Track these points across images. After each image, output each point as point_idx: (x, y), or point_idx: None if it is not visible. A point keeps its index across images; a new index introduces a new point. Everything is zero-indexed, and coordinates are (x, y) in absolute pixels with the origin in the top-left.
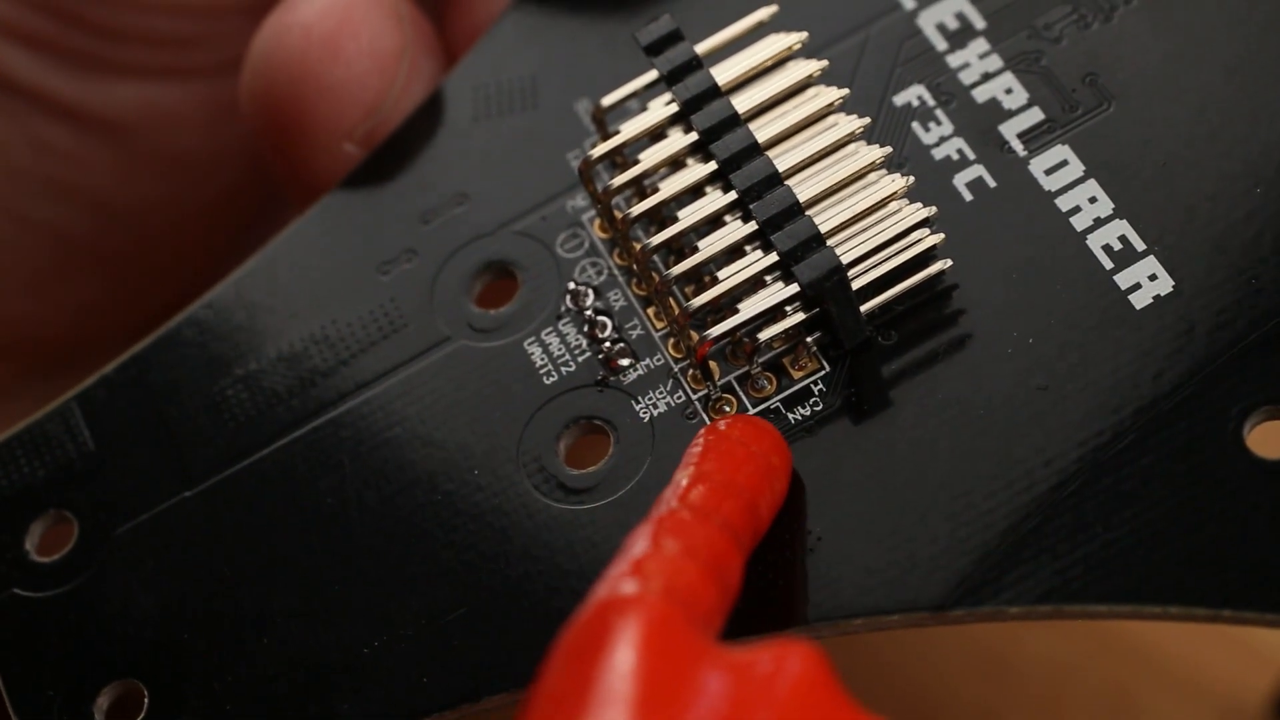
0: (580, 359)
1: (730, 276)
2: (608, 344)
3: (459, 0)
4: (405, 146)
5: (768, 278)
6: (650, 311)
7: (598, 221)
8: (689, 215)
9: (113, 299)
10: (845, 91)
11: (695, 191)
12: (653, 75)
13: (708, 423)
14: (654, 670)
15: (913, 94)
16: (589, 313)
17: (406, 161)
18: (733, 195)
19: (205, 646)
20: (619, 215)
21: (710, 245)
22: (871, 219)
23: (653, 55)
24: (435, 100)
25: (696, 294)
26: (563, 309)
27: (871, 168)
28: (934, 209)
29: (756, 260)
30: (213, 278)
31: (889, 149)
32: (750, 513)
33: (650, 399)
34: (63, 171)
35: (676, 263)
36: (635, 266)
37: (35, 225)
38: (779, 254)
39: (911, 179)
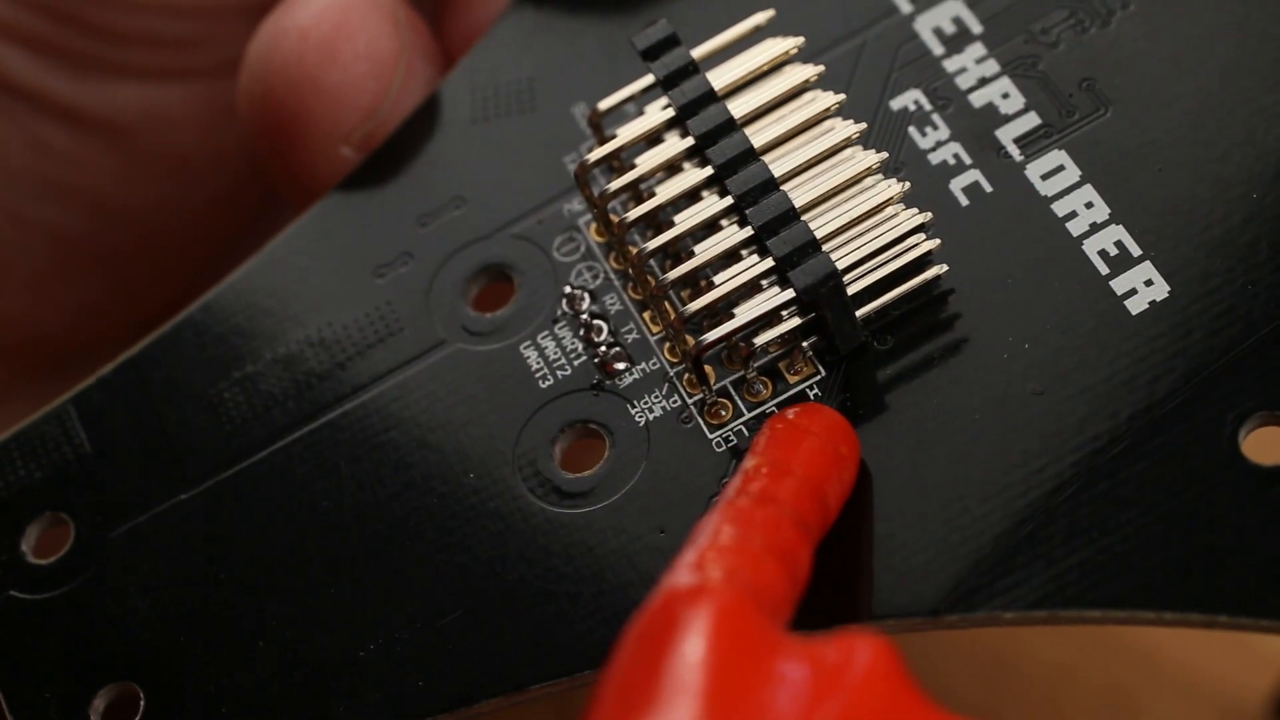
0: (576, 363)
1: (726, 281)
2: (603, 348)
3: (457, 3)
4: (402, 149)
5: (764, 282)
6: (646, 316)
7: (594, 225)
8: (685, 219)
9: (112, 299)
10: (841, 97)
11: (691, 196)
12: (649, 79)
13: (703, 426)
14: (725, 660)
15: (909, 98)
16: (585, 316)
17: (403, 164)
18: (729, 200)
19: (202, 649)
20: (615, 219)
21: (706, 250)
22: (867, 224)
23: (649, 60)
24: (433, 103)
25: (693, 298)
26: (559, 313)
27: (868, 173)
28: (929, 215)
29: (752, 265)
30: (212, 278)
31: (885, 154)
32: (818, 501)
33: (646, 403)
34: (62, 172)
35: (673, 267)
36: (631, 270)
37: (34, 226)
38: (774, 259)
39: (908, 184)
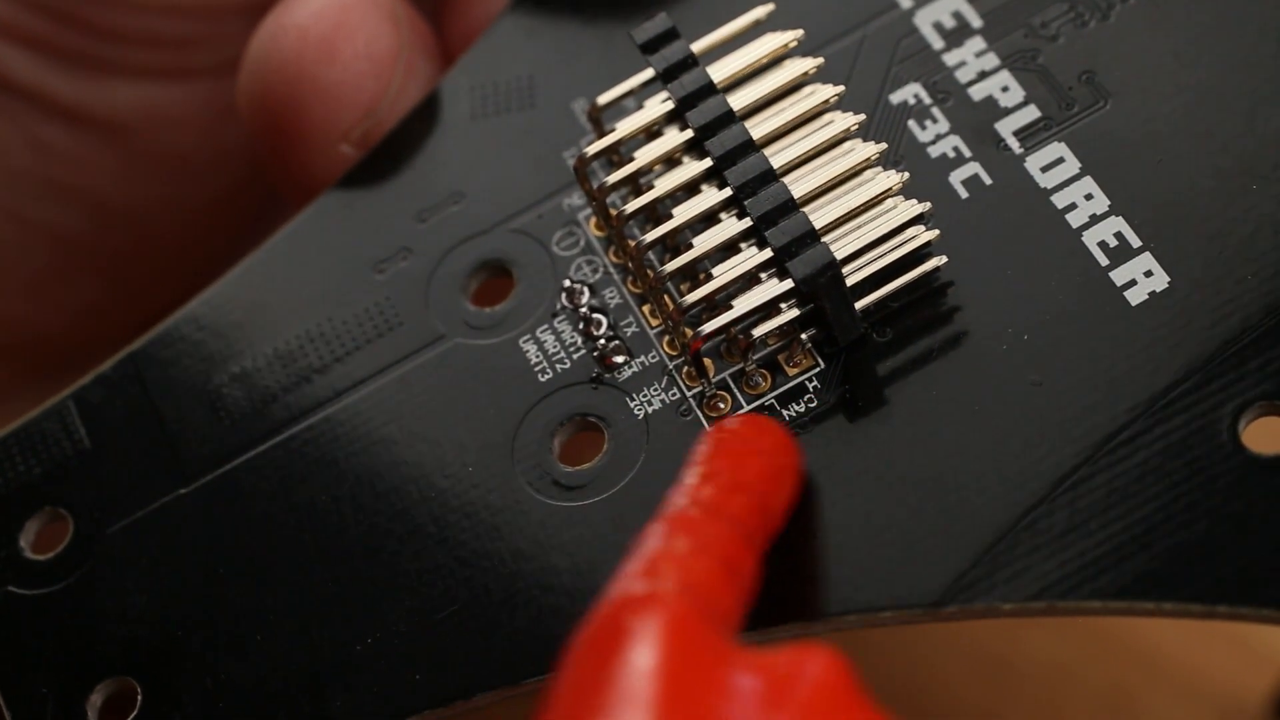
0: (575, 356)
1: (724, 273)
2: (602, 341)
3: (457, 0)
4: (402, 145)
5: (762, 274)
6: (645, 309)
7: (593, 219)
8: (683, 212)
9: (113, 299)
10: (840, 89)
11: (690, 189)
12: (649, 73)
13: (702, 419)
14: (676, 670)
15: (909, 92)
16: (584, 310)
17: (403, 160)
18: (727, 192)
19: (199, 644)
20: (614, 213)
21: (704, 242)
22: (866, 215)
23: (648, 53)
24: (433, 99)
25: (691, 291)
26: (558, 306)
27: (866, 164)
28: (928, 205)
29: (750, 256)
30: (212, 278)
31: (883, 145)
32: (761, 511)
33: (645, 396)
34: (62, 172)
35: (671, 260)
36: (630, 264)
37: (34, 226)
38: (772, 250)
39: (906, 175)
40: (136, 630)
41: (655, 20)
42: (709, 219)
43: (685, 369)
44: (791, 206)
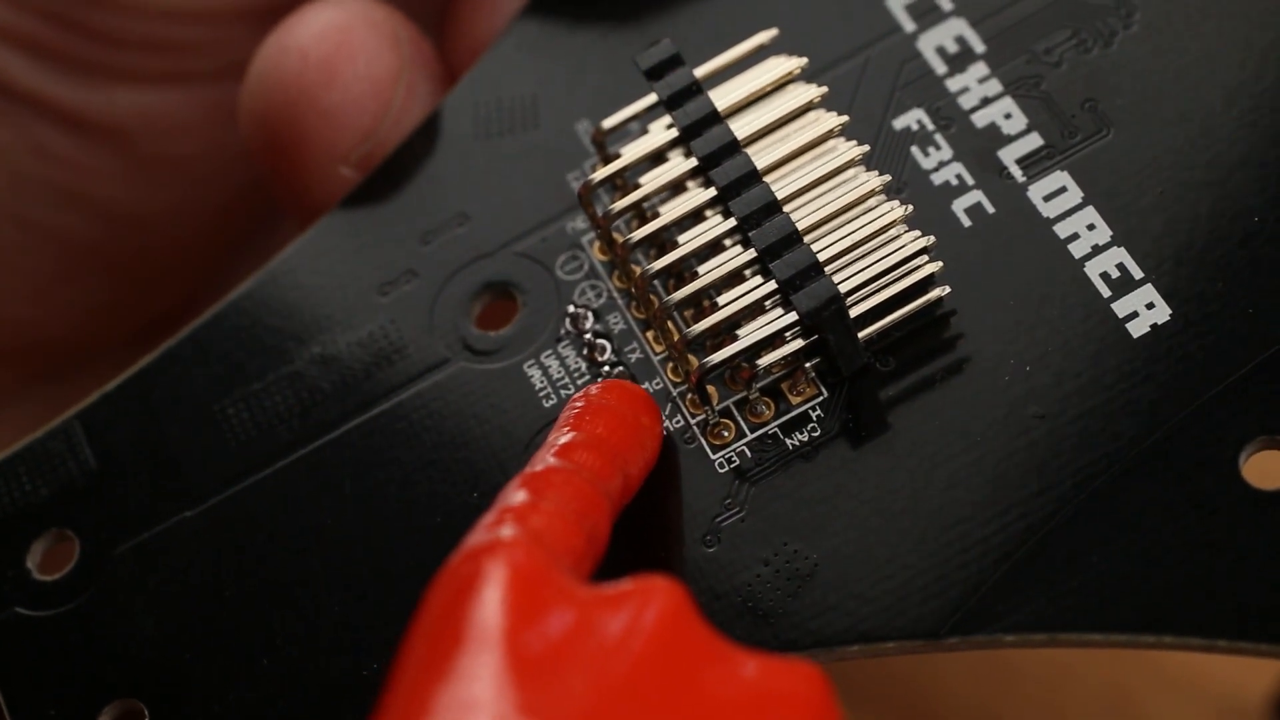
0: (580, 382)
1: (730, 303)
2: (606, 367)
3: (459, 18)
4: (406, 165)
5: (767, 304)
6: (649, 335)
7: (597, 244)
8: (688, 240)
9: (116, 303)
10: (845, 119)
11: (695, 216)
12: (653, 99)
13: (705, 447)
14: (521, 608)
15: (912, 118)
16: (588, 336)
17: (407, 181)
18: (731, 223)
19: (206, 666)
20: (619, 239)
21: (709, 271)
22: (870, 246)
23: (653, 79)
24: (436, 119)
25: (696, 319)
26: (562, 331)
27: (871, 195)
28: (932, 239)
29: (756, 287)
30: (216, 282)
31: (888, 177)
32: (616, 467)
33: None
34: (65, 177)
35: (676, 287)
36: (635, 290)
37: (38, 230)
38: (777, 282)
39: (910, 208)
40: (143, 652)
41: (660, 46)
42: (714, 247)
43: (689, 396)
44: (796, 239)
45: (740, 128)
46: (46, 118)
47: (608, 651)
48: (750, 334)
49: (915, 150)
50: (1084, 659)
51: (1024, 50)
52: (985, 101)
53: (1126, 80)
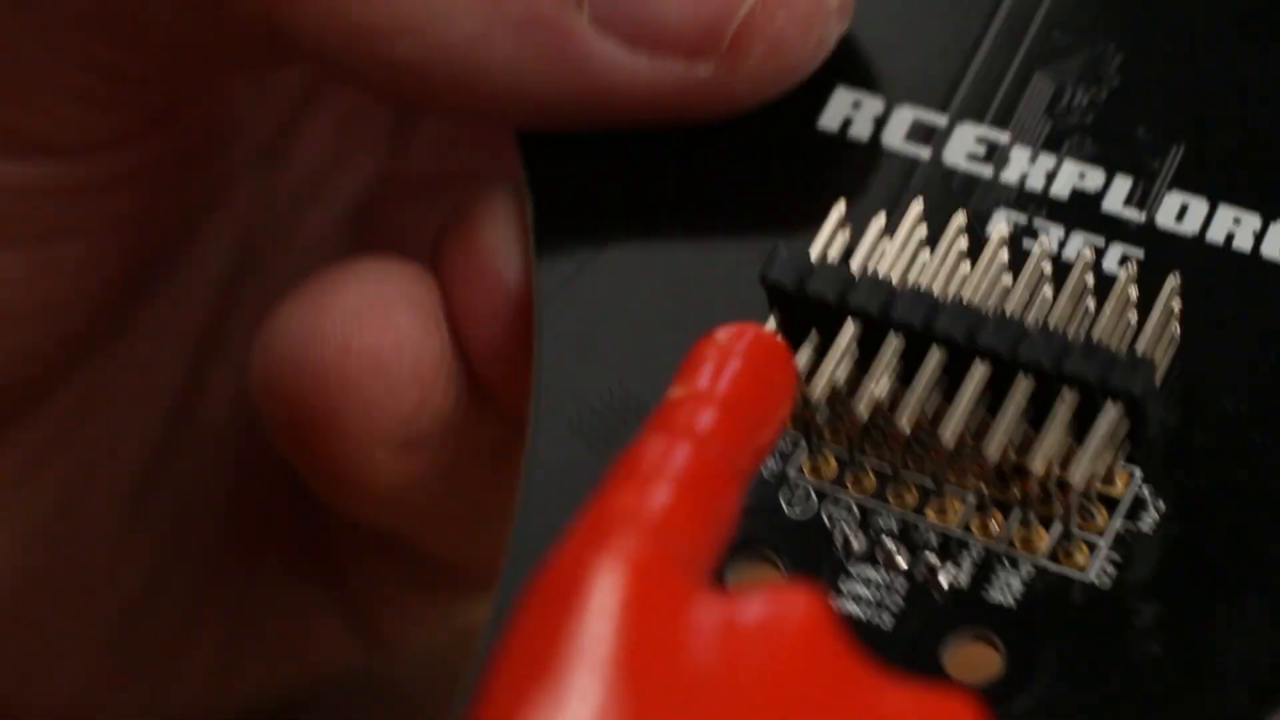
0: (903, 591)
1: (1051, 428)
2: (919, 567)
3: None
4: None
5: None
6: (931, 511)
7: (806, 464)
8: (964, 400)
9: None
10: (1004, 230)
11: (908, 367)
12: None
13: (1069, 572)
14: (638, 621)
15: (1000, 219)
16: (872, 549)
17: None
18: (986, 370)
19: None
20: (845, 433)
21: (1006, 413)
22: (1112, 313)
23: (802, 294)
24: None
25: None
26: (842, 557)
27: (1087, 268)
28: (1177, 277)
29: (1065, 401)
30: None
31: (1089, 253)
32: (750, 437)
33: (999, 584)
34: None
35: (987, 444)
36: (893, 471)
37: None
38: (1090, 382)
39: (1140, 253)
40: None
41: (784, 258)
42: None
43: (1020, 537)
44: (1066, 342)
45: (925, 281)
46: None
47: (737, 670)
48: (1093, 446)
49: (1028, 242)
50: None
51: (1045, 115)
52: (1050, 177)
53: (1153, 89)
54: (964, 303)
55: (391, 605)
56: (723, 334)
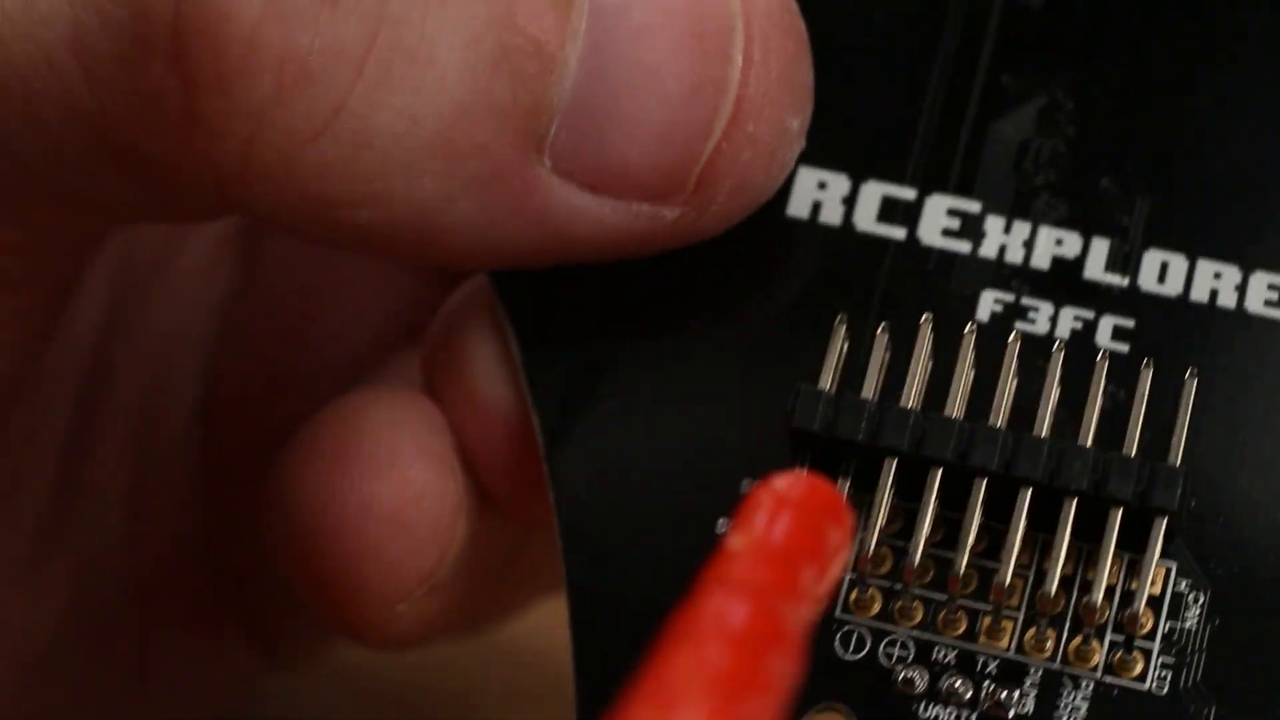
0: None
1: (1103, 556)
2: (982, 696)
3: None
4: None
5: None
6: (982, 639)
7: (854, 596)
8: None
9: None
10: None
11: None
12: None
13: (1127, 684)
14: None
15: (988, 301)
16: (935, 685)
17: None
18: (1028, 494)
19: None
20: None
21: (1059, 551)
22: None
23: (836, 432)
24: None
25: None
26: (902, 697)
27: (1103, 357)
28: (1194, 380)
29: (1111, 522)
30: None
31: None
32: (812, 589)
33: (1065, 707)
34: None
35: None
36: (947, 607)
37: None
38: (1128, 501)
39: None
40: None
41: (808, 403)
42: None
43: (1074, 650)
44: (1091, 455)
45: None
46: None
47: None
48: (1148, 570)
49: (1020, 324)
50: None
51: (1011, 177)
52: (1028, 245)
53: (1110, 136)
54: (995, 427)
55: (301, 631)
56: (780, 482)
